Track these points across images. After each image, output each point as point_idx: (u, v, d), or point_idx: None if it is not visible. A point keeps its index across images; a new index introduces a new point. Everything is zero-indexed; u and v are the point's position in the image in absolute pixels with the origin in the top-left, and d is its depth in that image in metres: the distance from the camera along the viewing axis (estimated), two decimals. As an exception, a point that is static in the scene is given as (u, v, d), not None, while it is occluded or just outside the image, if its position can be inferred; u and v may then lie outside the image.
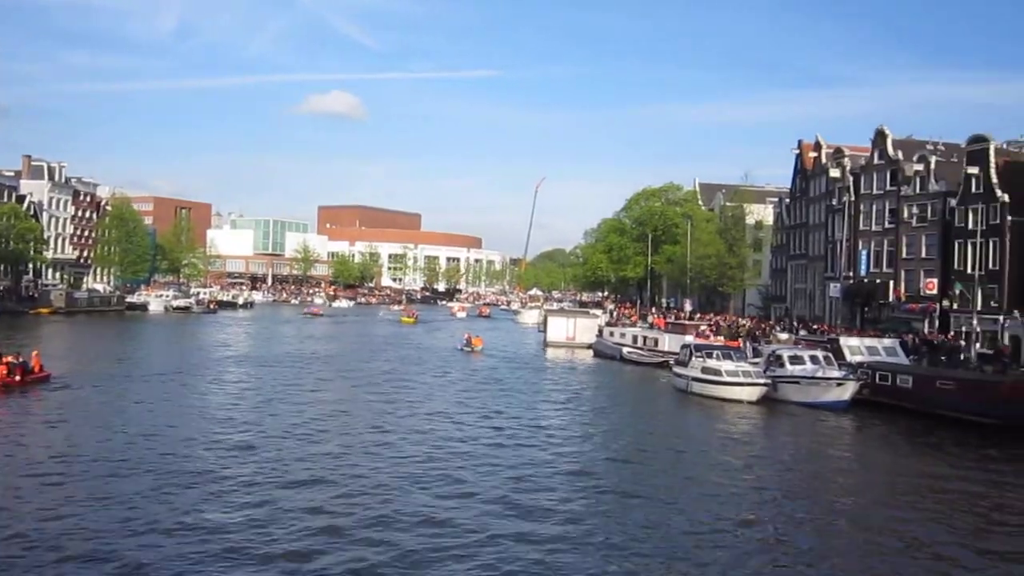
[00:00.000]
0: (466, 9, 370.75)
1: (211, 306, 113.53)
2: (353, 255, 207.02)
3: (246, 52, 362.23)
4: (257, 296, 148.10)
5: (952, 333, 53.87)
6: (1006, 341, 51.68)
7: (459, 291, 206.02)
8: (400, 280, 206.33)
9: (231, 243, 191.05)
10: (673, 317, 75.92)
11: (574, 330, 73.10)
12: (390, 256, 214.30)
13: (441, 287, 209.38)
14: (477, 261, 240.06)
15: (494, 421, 33.35)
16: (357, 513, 19.49)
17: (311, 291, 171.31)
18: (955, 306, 56.08)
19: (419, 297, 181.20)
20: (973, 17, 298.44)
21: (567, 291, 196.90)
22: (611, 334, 68.05)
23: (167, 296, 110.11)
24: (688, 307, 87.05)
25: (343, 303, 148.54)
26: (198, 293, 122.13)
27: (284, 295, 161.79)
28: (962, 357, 47.07)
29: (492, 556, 16.96)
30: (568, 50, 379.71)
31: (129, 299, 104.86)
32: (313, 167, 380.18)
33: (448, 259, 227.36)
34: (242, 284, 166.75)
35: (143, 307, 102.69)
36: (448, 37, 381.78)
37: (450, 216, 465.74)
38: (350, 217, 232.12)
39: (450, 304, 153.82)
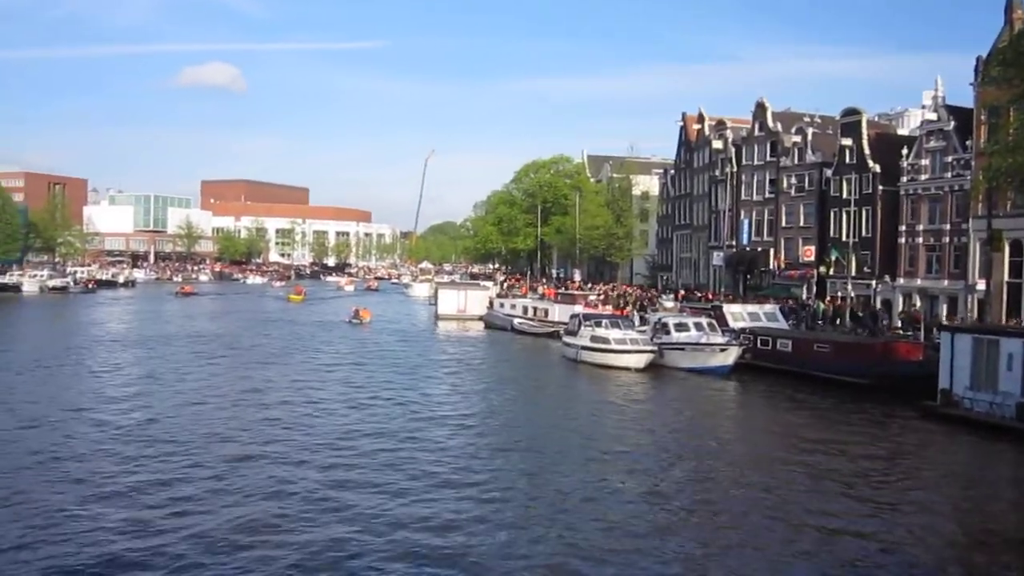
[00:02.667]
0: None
1: (90, 285, 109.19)
2: (239, 231, 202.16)
3: (117, 20, 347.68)
4: (139, 274, 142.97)
5: (830, 298, 56.01)
6: (878, 305, 54.00)
7: (349, 265, 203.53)
8: (289, 256, 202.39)
9: (110, 220, 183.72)
10: (563, 288, 76.82)
11: (465, 302, 73.18)
12: (278, 231, 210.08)
13: (331, 262, 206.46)
14: (367, 235, 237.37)
15: (384, 394, 33.28)
16: (243, 491, 19.23)
17: (195, 268, 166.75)
18: (831, 272, 58.25)
19: (308, 272, 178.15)
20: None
21: (458, 264, 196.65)
22: (502, 305, 68.49)
23: (42, 276, 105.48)
24: (577, 277, 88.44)
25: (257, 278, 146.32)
26: (75, 272, 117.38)
27: (168, 272, 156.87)
28: (838, 321, 49.06)
29: (387, 532, 16.91)
30: (455, 21, 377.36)
31: (0, 280, 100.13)
32: (194, 141, 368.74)
33: (338, 233, 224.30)
34: (122, 262, 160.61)
35: (15, 288, 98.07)
36: (332, 6, 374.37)
37: (339, 190, 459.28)
38: (235, 192, 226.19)
39: (338, 279, 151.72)
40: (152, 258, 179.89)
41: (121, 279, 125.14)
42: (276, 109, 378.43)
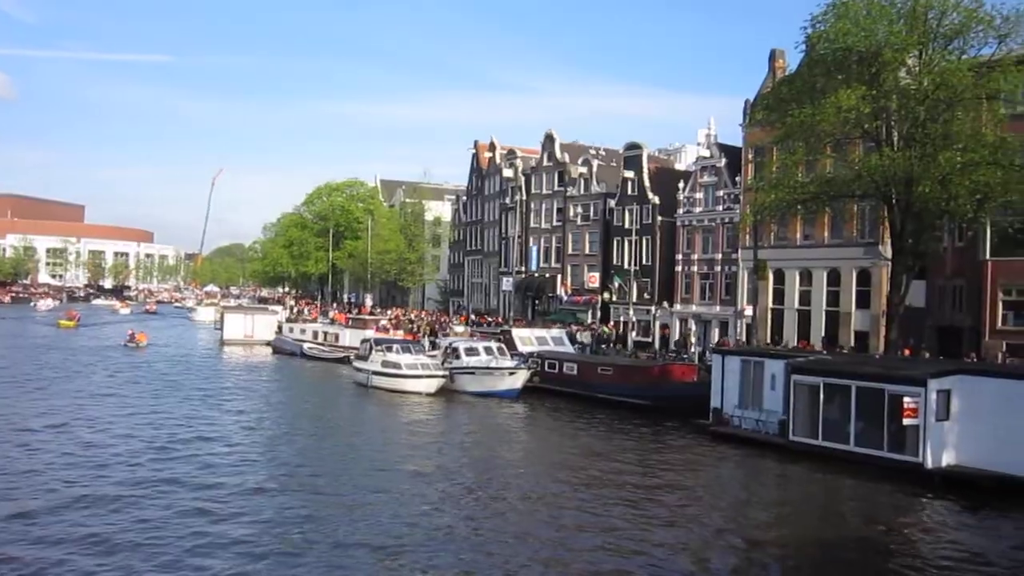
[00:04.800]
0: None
1: None
2: (4, 249, 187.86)
3: None
4: None
5: (613, 323, 58.43)
6: (657, 330, 56.89)
7: (128, 288, 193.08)
8: (61, 276, 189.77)
9: None
10: (355, 312, 76.14)
11: (253, 327, 71.06)
12: (48, 250, 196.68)
13: (108, 284, 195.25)
14: (148, 256, 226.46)
15: (161, 423, 31.44)
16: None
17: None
18: (614, 298, 60.81)
19: (82, 295, 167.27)
20: (625, 37, 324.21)
21: (246, 287, 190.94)
22: (291, 330, 67.06)
23: None
24: (369, 302, 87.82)
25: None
26: None
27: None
28: (618, 346, 51.31)
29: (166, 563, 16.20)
30: (239, 39, 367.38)
31: None
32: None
33: (116, 254, 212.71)
34: None
35: None
36: (109, 17, 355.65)
37: (119, 208, 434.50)
38: (0, 208, 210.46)
39: (111, 302, 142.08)
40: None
41: None
42: (50, 120, 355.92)
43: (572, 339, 50.70)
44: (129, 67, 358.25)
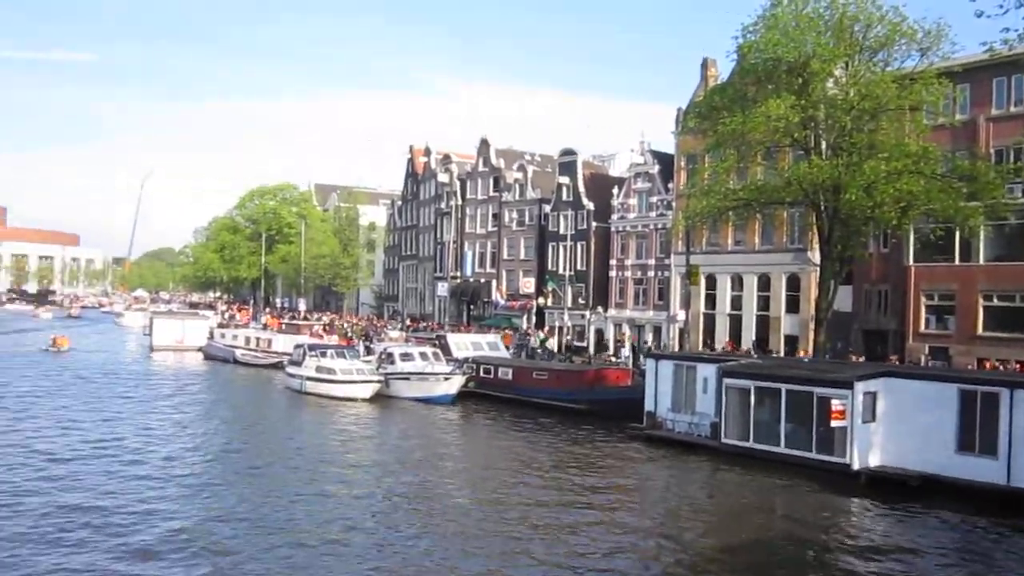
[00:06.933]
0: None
1: None
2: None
3: None
4: None
5: (548, 328, 58.75)
6: (591, 334, 57.36)
7: (52, 292, 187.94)
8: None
9: None
10: (288, 317, 75.36)
11: (183, 332, 69.84)
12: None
13: (32, 288, 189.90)
14: (75, 260, 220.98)
15: (82, 433, 30.56)
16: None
17: None
18: (549, 303, 61.17)
19: (4, 299, 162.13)
20: (559, 43, 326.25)
21: (176, 292, 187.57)
22: (223, 336, 66.04)
23: None
24: (303, 307, 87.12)
25: None
26: None
27: None
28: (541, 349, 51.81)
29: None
30: (166, 35, 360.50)
31: None
32: None
33: (40, 257, 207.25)
34: None
35: None
36: (34, 14, 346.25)
37: (43, 211, 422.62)
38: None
39: (29, 307, 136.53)
40: None
41: None
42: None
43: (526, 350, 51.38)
44: (49, 65, 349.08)
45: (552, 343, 54.08)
